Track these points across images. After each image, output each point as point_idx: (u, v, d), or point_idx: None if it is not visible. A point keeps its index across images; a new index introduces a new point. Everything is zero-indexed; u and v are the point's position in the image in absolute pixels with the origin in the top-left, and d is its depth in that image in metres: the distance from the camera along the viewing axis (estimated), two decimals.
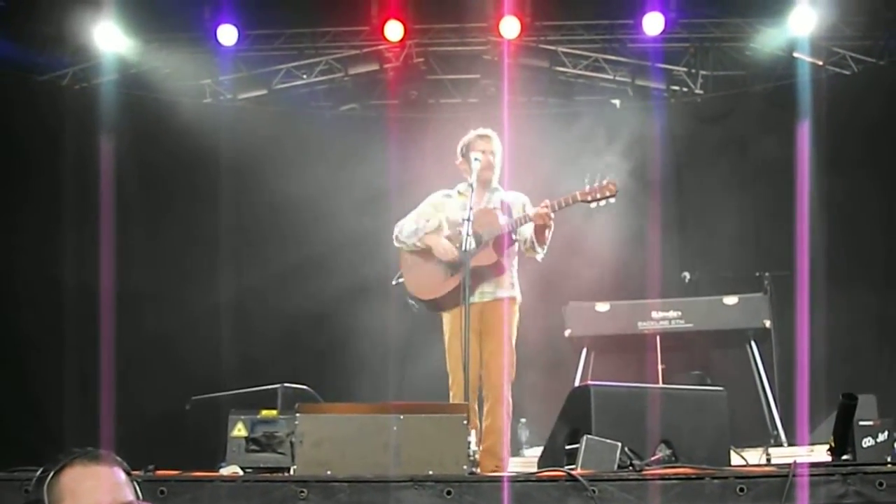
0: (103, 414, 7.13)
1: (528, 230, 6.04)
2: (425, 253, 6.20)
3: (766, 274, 8.12)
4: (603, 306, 7.75)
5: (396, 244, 6.32)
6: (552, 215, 5.93)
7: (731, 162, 9.19)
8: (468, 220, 5.70)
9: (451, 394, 5.99)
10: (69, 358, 8.41)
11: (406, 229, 6.27)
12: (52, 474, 2.66)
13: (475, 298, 5.86)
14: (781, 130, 8.80)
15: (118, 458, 2.76)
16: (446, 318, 6.15)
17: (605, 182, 5.91)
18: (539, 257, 6.15)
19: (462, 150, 6.29)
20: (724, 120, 9.21)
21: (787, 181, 8.38)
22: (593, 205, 5.95)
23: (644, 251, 8.72)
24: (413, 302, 6.27)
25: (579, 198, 5.92)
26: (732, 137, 9.19)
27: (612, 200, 5.94)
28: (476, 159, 6.01)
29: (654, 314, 7.65)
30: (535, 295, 6.80)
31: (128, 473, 2.75)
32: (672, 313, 7.62)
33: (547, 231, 6.00)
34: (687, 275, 8.44)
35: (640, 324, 7.66)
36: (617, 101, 10.31)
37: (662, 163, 9.20)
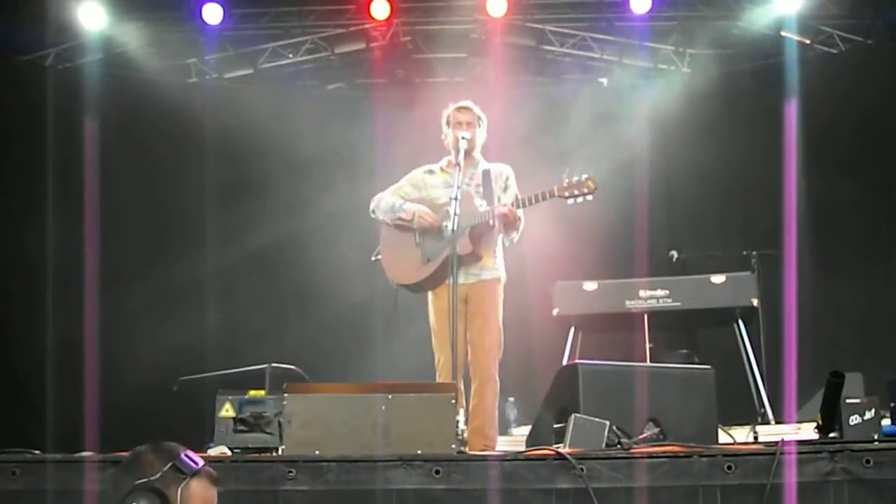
0: (89, 396, 7.10)
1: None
2: (402, 231, 6.15)
3: (754, 252, 8.11)
4: (590, 285, 7.73)
5: (372, 216, 6.28)
6: (520, 215, 5.94)
7: (718, 140, 9.17)
8: (456, 199, 5.65)
9: (437, 374, 5.98)
10: (54, 339, 8.34)
11: (383, 205, 6.21)
12: (187, 479, 2.59)
13: (460, 280, 5.77)
14: (769, 109, 8.81)
15: None
16: (430, 297, 6.13)
17: (584, 178, 5.84)
18: (508, 243, 6.14)
19: (445, 124, 6.25)
20: (712, 98, 9.19)
21: (774, 159, 8.38)
22: (570, 201, 5.88)
23: (631, 230, 8.70)
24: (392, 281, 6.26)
25: (556, 193, 5.87)
26: (720, 116, 9.17)
27: (589, 198, 5.86)
28: (463, 137, 5.95)
29: (642, 293, 7.63)
30: (523, 274, 6.80)
31: None
32: (660, 292, 7.60)
33: (517, 224, 5.99)
34: (674, 253, 8.43)
35: (627, 302, 7.65)
36: (604, 80, 10.28)
37: (650, 141, 9.19)
